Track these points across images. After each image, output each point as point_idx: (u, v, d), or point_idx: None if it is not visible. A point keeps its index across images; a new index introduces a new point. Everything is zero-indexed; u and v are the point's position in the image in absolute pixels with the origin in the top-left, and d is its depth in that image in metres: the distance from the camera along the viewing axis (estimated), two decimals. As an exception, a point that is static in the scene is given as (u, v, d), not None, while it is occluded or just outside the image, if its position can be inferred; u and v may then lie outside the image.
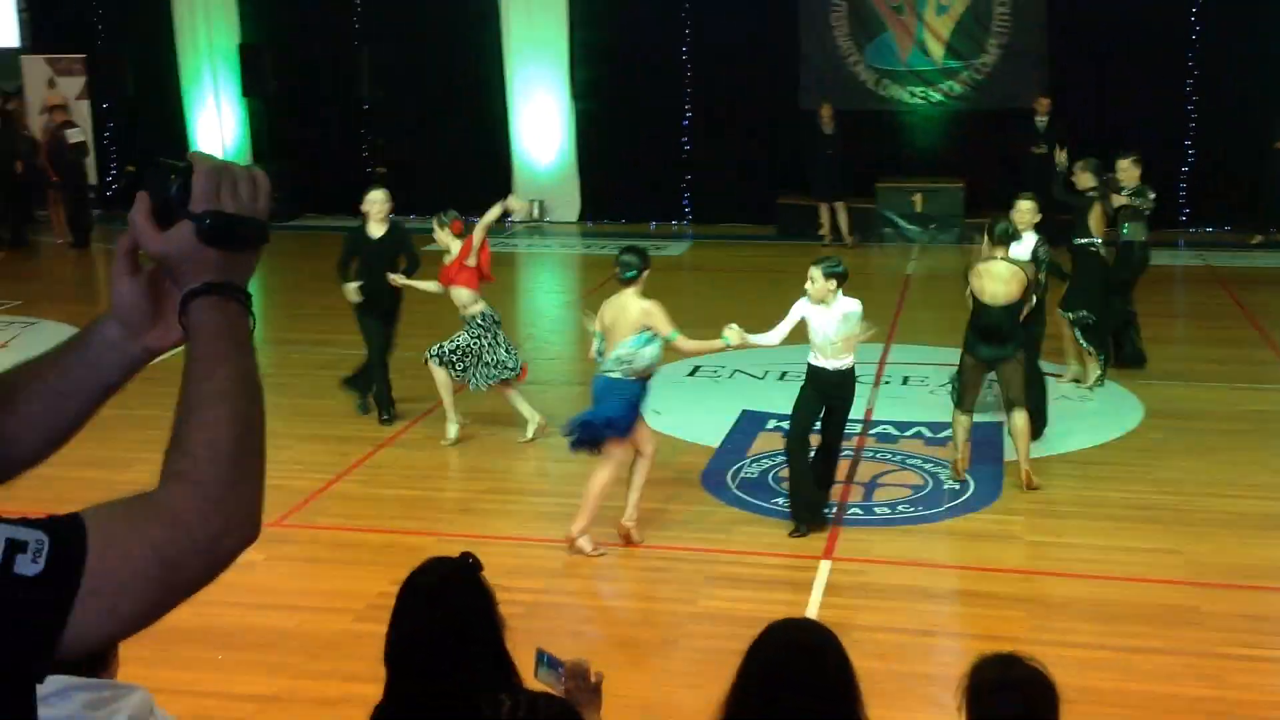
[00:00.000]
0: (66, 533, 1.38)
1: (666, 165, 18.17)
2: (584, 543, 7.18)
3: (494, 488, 8.43)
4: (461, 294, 9.36)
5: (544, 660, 3.28)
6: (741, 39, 17.66)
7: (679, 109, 18.14)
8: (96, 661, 3.32)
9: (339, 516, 7.96)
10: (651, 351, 7.20)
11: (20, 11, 19.22)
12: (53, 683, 3.12)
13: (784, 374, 10.92)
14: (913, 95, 17.83)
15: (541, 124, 18.42)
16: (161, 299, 1.67)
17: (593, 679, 3.27)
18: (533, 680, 3.15)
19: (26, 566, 1.34)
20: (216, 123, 19.11)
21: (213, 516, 1.46)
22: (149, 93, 18.81)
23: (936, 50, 17.68)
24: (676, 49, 17.98)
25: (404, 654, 2.97)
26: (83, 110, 18.45)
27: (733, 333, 7.45)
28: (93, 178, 18.17)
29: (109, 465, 8.84)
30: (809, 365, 7.71)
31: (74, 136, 16.90)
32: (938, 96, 17.79)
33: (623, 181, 18.16)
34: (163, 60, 18.95)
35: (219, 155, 1.57)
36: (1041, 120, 16.21)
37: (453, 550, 7.39)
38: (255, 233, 1.58)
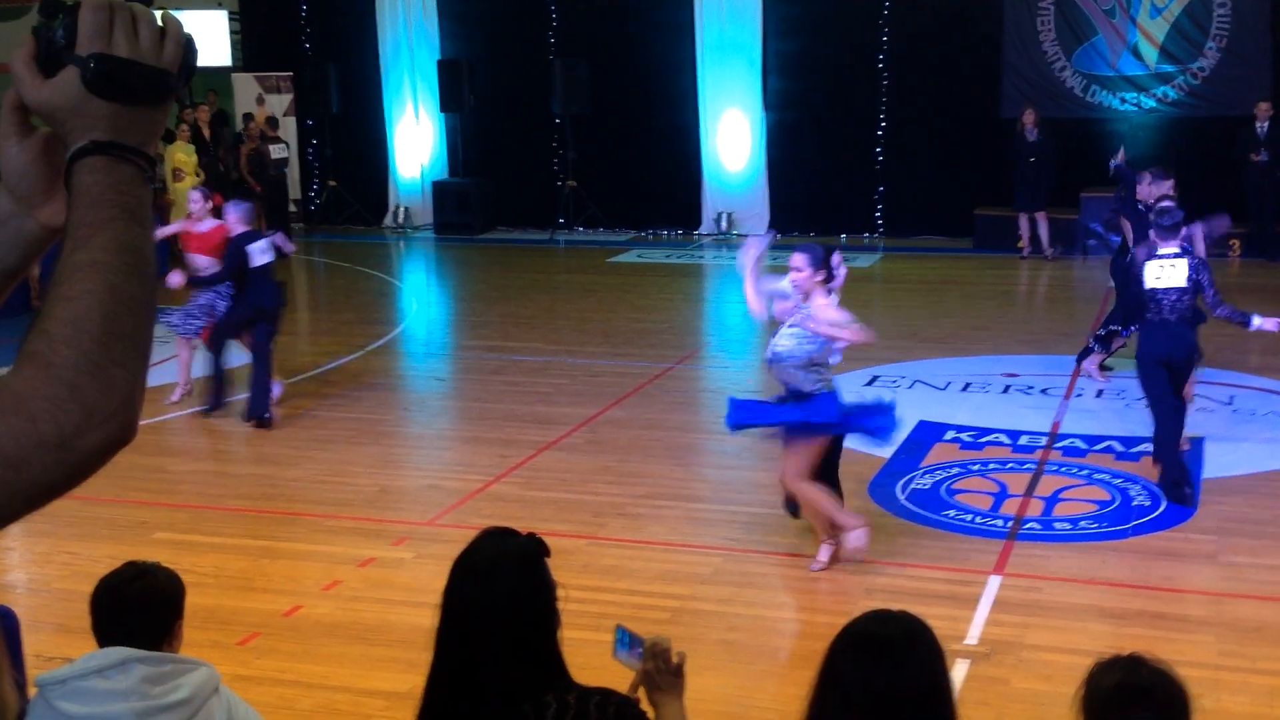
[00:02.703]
0: None
1: (858, 176, 17.71)
2: (825, 554, 6.87)
3: (651, 492, 8.17)
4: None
5: (623, 639, 2.98)
6: (941, 45, 17.11)
7: (873, 118, 17.66)
8: (161, 634, 3.19)
9: (492, 517, 7.80)
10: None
11: (233, 33, 19.99)
12: (112, 655, 2.99)
13: (967, 385, 10.40)
14: (1124, 102, 16.94)
15: (732, 135, 18.19)
16: (57, 165, 1.39)
17: (674, 659, 2.95)
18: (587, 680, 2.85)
19: None
20: (415, 137, 19.49)
21: (67, 404, 1.22)
22: (352, 109, 19.32)
23: (1150, 54, 16.77)
24: (872, 56, 17.51)
25: (446, 638, 2.70)
26: (289, 126, 19.04)
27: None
28: (295, 192, 18.73)
29: (278, 462, 8.99)
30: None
31: (277, 152, 17.44)
32: (1150, 103, 16.86)
33: (813, 192, 17.77)
34: (367, 77, 19.44)
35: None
36: (1262, 126, 15.19)
37: (604, 554, 7.12)
38: (155, 83, 1.33)
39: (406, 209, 19.56)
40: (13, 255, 1.46)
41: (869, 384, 10.41)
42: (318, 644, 6.18)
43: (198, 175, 16.40)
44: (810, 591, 6.70)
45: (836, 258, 6.82)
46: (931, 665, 2.50)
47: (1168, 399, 7.70)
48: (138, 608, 3.13)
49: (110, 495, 8.00)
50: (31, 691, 3.00)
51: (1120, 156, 11.15)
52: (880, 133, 17.70)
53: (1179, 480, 7.64)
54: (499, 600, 2.65)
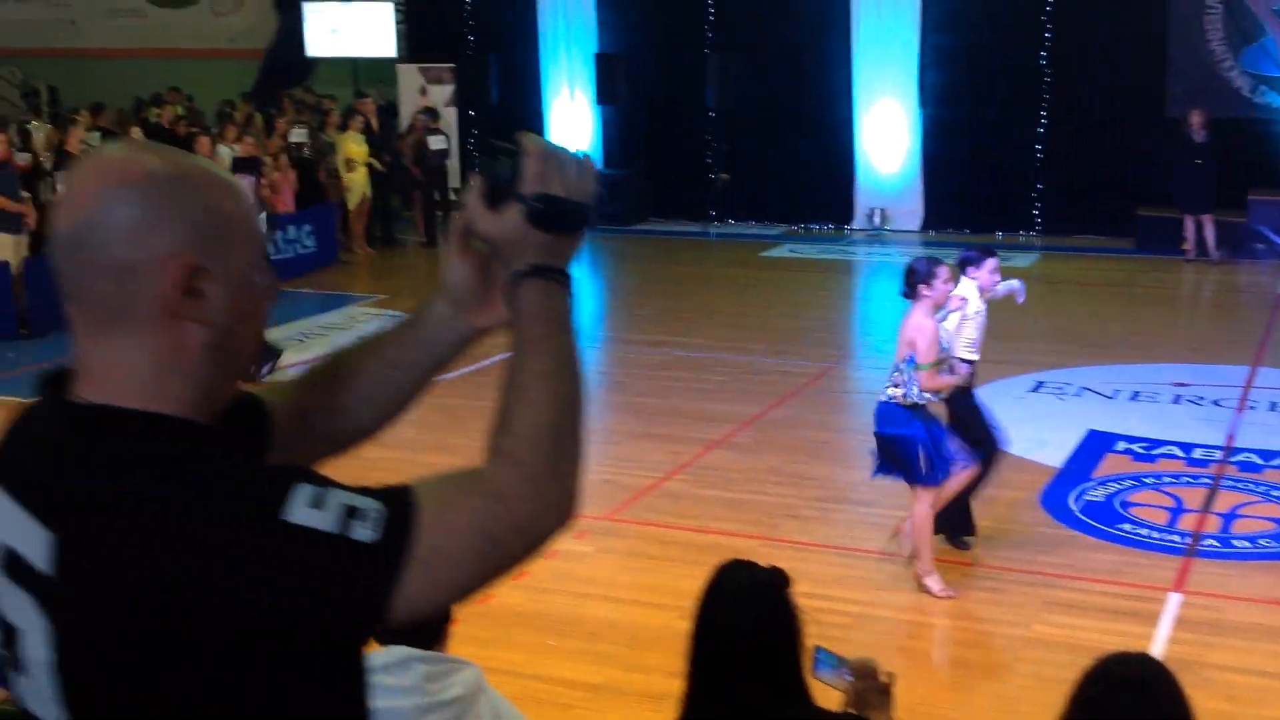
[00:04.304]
0: (400, 503, 1.42)
1: (1017, 173, 17.53)
2: (931, 582, 6.88)
3: (820, 495, 8.32)
4: None
5: (825, 659, 3.14)
6: (1104, 42, 16.87)
7: (1033, 115, 17.46)
8: (435, 635, 3.45)
9: (666, 514, 8.05)
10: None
11: (398, 24, 20.52)
12: (395, 653, 3.26)
13: (1136, 394, 10.32)
14: (1293, 102, 16.53)
15: (887, 130, 18.15)
16: (491, 279, 1.71)
17: (883, 679, 3.11)
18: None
19: (363, 533, 1.38)
20: (571, 128, 19.82)
21: (533, 496, 1.47)
22: (511, 99, 19.70)
23: (1321, 55, 16.33)
24: (1034, 52, 17.31)
25: (698, 661, 2.91)
26: (450, 116, 19.50)
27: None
28: (454, 181, 19.16)
29: (456, 452, 9.31)
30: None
31: (437, 143, 17.88)
32: (1321, 104, 16.42)
33: (969, 189, 17.66)
34: (526, 68, 19.82)
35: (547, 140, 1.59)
36: None
37: (779, 556, 7.32)
38: (581, 217, 1.59)
39: (560, 199, 19.89)
40: (446, 350, 1.78)
41: (1034, 390, 10.40)
42: (513, 632, 6.45)
43: (368, 165, 16.93)
44: (990, 603, 6.78)
45: (943, 272, 6.56)
46: (1183, 700, 2.63)
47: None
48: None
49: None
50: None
51: None
52: (1040, 129, 17.50)
53: None
54: (747, 630, 2.85)
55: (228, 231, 1.50)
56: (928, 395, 6.61)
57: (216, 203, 1.50)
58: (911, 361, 6.57)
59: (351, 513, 1.37)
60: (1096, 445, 9.01)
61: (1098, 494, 8.13)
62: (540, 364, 1.54)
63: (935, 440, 6.64)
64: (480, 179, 1.60)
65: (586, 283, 16.39)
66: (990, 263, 7.16)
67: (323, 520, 1.36)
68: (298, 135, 17.13)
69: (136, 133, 15.22)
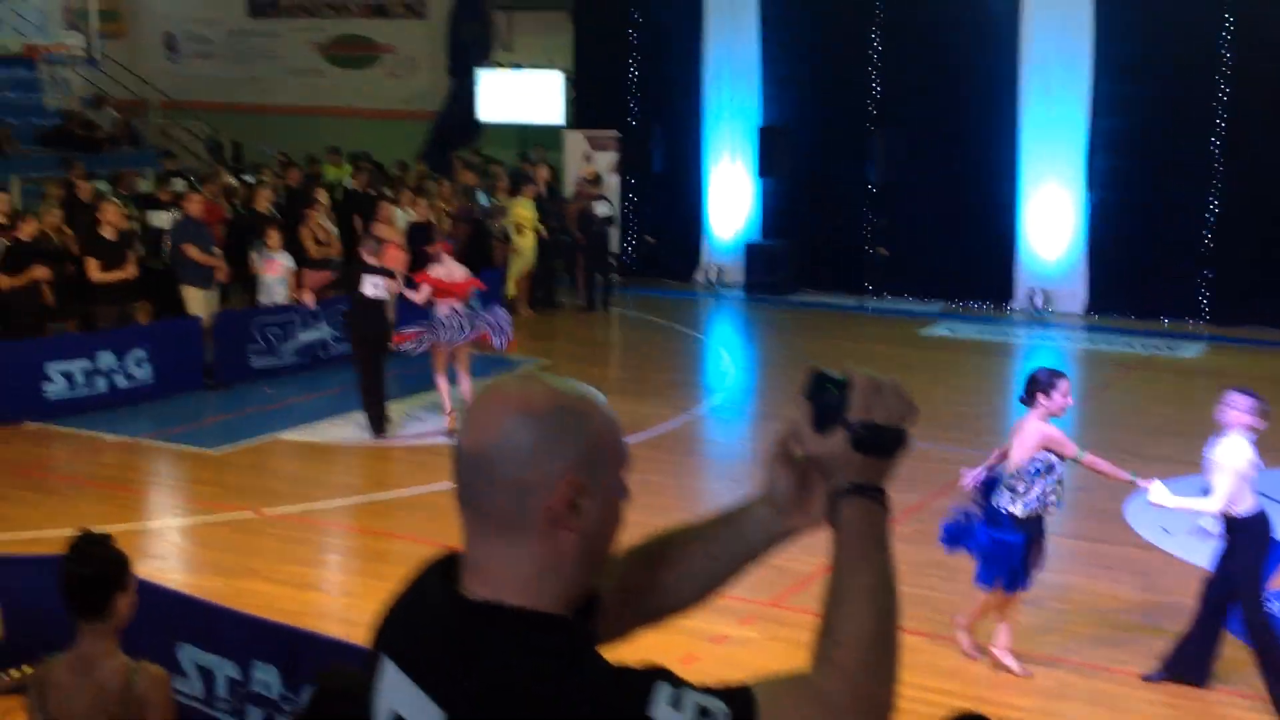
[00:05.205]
0: (743, 706, 1.59)
1: (1185, 259, 17.22)
2: (1008, 658, 7.05)
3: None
4: None
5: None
6: (1277, 128, 16.55)
7: (1203, 200, 17.17)
8: None
9: (832, 603, 8.07)
10: (1042, 487, 6.85)
11: (566, 93, 21.06)
12: None
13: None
14: None
15: (1051, 211, 17.99)
16: (808, 487, 1.88)
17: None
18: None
19: None
20: (731, 198, 20.06)
21: (855, 701, 1.63)
22: (673, 168, 20.05)
23: None
24: (1206, 137, 17.05)
25: None
26: (612, 183, 19.91)
27: (1156, 489, 6.85)
28: (615, 247, 19.54)
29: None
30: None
31: (602, 209, 18.26)
32: None
33: (1134, 274, 17.41)
34: (688, 138, 20.15)
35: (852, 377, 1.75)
36: None
37: (944, 655, 7.24)
38: (900, 442, 1.76)
39: (718, 267, 20.14)
40: (760, 546, 1.97)
41: (1206, 492, 10.17)
42: None
43: (536, 230, 17.38)
44: (1169, 719, 6.70)
45: (1064, 385, 6.93)
46: None
47: None
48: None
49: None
50: None
51: None
52: (1210, 215, 17.20)
53: None
54: None
55: (605, 453, 1.73)
56: (1037, 508, 6.84)
57: (597, 428, 1.73)
58: (1035, 470, 6.71)
59: (703, 713, 1.54)
60: (1276, 555, 8.78)
61: (1277, 608, 7.93)
62: (863, 578, 1.71)
63: (1026, 553, 6.89)
64: (809, 404, 1.78)
65: (739, 353, 16.54)
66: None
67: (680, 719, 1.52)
68: (481, 199, 17.78)
69: (323, 195, 15.83)
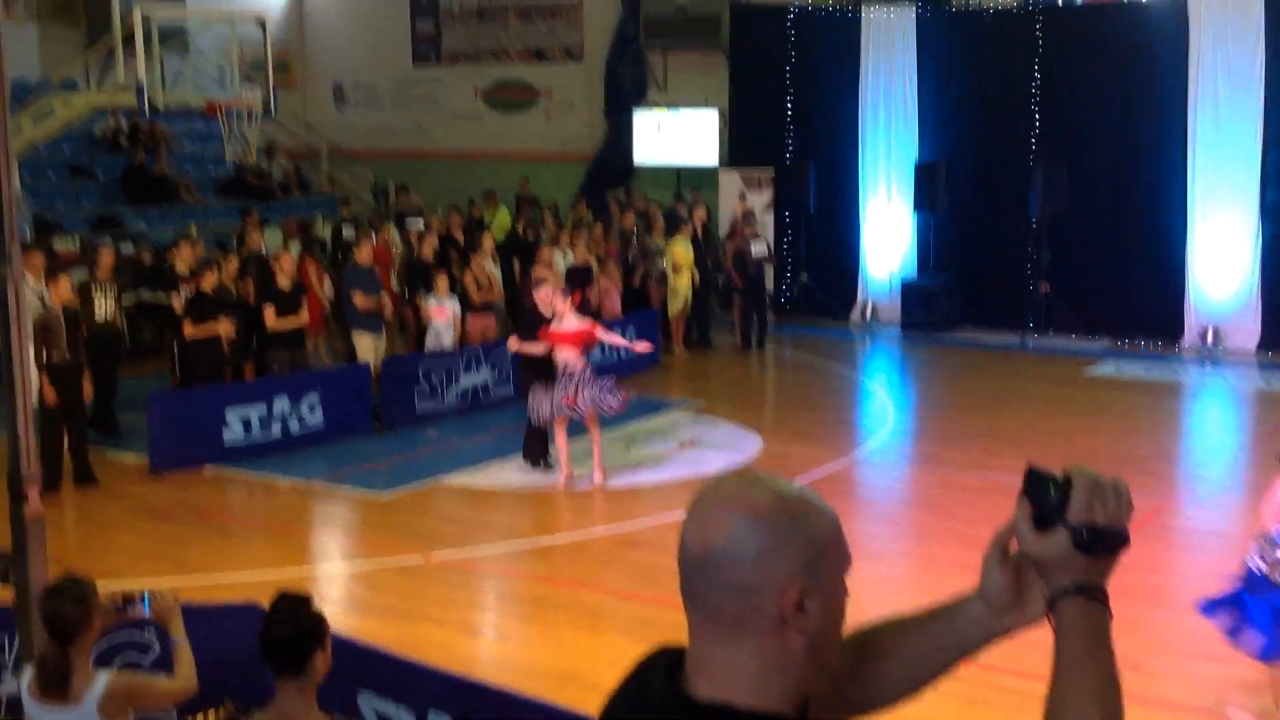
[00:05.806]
0: None
1: (1368, 294, 16.55)
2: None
3: (1159, 646, 8.03)
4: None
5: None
6: None
7: (1386, 233, 16.48)
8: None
9: (999, 656, 7.93)
10: None
11: (721, 131, 21.19)
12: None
13: None
14: None
15: (1223, 245, 17.41)
16: (1024, 586, 1.90)
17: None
18: None
19: None
20: (887, 235, 19.91)
21: None
22: (829, 206, 19.99)
23: None
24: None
25: None
26: (768, 222, 19.93)
27: None
28: (771, 286, 19.54)
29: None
30: None
31: (758, 249, 18.27)
32: None
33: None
34: (844, 175, 20.07)
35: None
36: None
37: None
38: (1120, 541, 1.77)
39: (874, 305, 19.99)
40: (973, 644, 1.97)
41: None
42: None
43: (693, 270, 17.51)
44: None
45: None
46: None
47: None
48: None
49: (626, 590, 8.75)
50: None
51: None
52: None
53: None
54: None
55: (827, 553, 1.76)
56: None
57: (819, 530, 1.76)
58: None
59: None
60: None
61: None
62: (1086, 680, 1.72)
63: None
64: (1029, 503, 1.79)
65: (898, 393, 16.36)
66: None
67: None
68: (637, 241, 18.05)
69: (488, 241, 16.19)
